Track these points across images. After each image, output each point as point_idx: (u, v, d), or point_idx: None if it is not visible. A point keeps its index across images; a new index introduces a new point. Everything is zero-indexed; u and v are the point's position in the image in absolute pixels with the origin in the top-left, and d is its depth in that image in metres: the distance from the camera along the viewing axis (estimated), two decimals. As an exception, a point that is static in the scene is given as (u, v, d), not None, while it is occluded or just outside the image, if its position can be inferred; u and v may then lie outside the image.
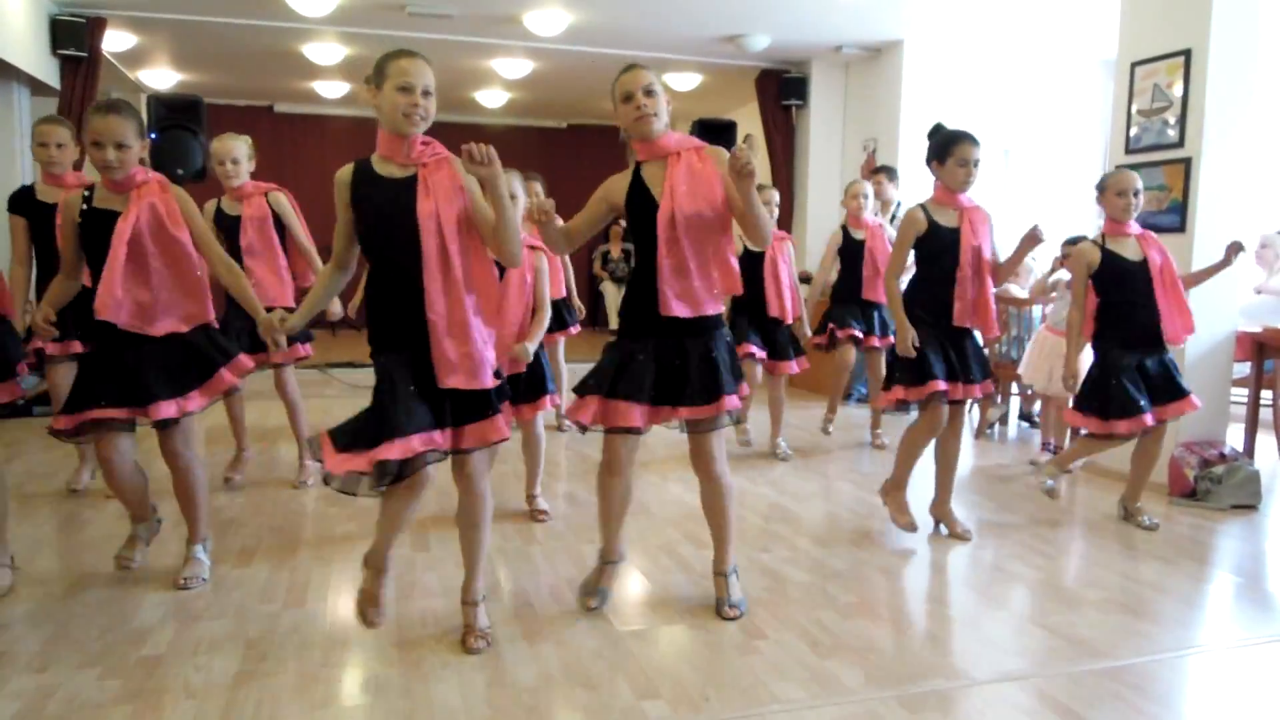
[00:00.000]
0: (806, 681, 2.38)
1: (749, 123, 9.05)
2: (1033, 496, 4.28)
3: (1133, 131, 4.67)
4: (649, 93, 2.56)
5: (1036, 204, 7.62)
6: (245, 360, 2.98)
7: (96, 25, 6.50)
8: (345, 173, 2.39)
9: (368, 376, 7.45)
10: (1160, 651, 2.62)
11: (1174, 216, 4.44)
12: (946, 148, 3.40)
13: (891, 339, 5.18)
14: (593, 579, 2.88)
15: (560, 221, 2.67)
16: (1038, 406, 5.85)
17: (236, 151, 3.95)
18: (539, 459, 3.84)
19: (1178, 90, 4.43)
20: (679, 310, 2.60)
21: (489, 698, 2.27)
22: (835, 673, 2.43)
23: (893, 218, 5.94)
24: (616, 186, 2.69)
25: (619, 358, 2.67)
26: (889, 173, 5.84)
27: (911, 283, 3.59)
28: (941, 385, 3.39)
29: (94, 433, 2.77)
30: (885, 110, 7.42)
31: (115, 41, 7.12)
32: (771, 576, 3.17)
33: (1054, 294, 5.02)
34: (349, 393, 6.85)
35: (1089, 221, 7.20)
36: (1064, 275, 4.87)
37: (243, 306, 2.91)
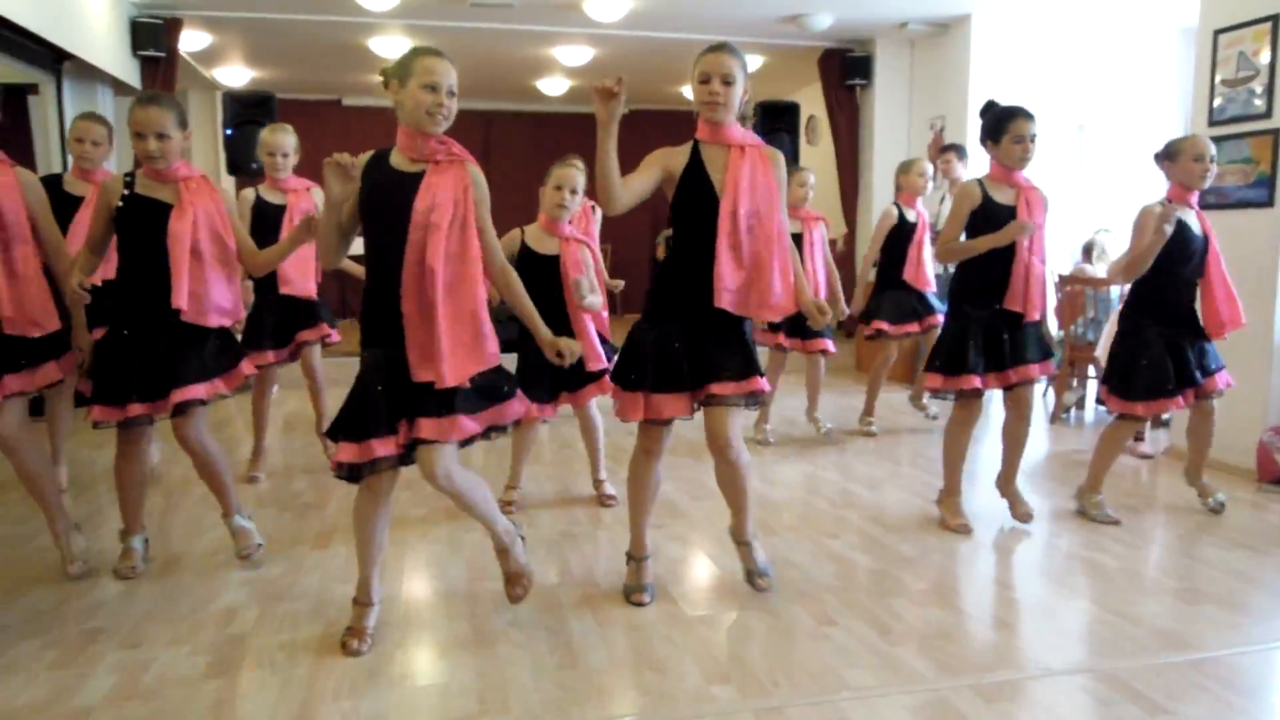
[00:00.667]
0: (877, 669, 2.36)
1: (812, 104, 8.93)
2: (1111, 483, 4.16)
3: (1216, 102, 4.49)
4: (727, 81, 2.53)
5: (1112, 181, 7.37)
6: (247, 365, 3.02)
7: (173, 26, 6.71)
8: (365, 157, 2.41)
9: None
10: (1249, 644, 2.53)
11: (1262, 190, 4.27)
12: (1001, 124, 3.29)
13: (938, 318, 4.98)
14: (632, 580, 2.83)
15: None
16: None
17: (287, 145, 4.03)
18: (598, 443, 3.87)
19: (1265, 58, 4.25)
20: (730, 304, 2.58)
21: (560, 679, 2.30)
22: (907, 660, 2.41)
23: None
24: (675, 160, 2.62)
25: (655, 349, 2.63)
26: (958, 151, 5.71)
27: (960, 266, 3.46)
28: (976, 381, 3.31)
29: (134, 424, 2.84)
30: (953, 87, 7.26)
31: (191, 41, 7.33)
32: (840, 563, 3.14)
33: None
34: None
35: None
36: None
37: (282, 252, 2.95)
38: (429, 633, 2.60)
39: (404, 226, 2.31)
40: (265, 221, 3.99)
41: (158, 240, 2.74)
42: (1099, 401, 5.60)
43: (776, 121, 7.98)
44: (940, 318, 5.07)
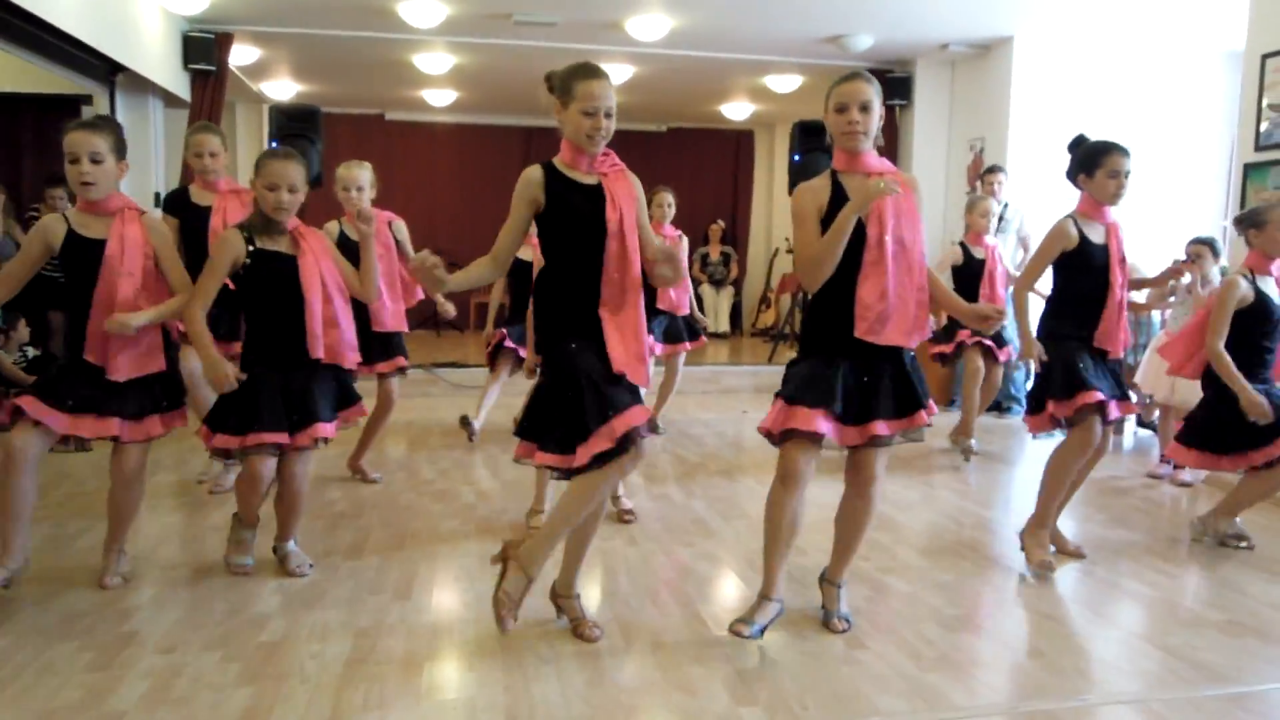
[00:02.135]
0: (909, 695, 2.33)
1: (851, 124, 8.90)
2: (1149, 510, 4.09)
3: (1263, 127, 4.42)
4: (865, 109, 2.50)
5: (1155, 204, 7.27)
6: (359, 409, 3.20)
7: (224, 40, 6.86)
8: (536, 173, 2.49)
9: (471, 376, 7.54)
10: (1291, 679, 2.47)
11: (1310, 217, 4.17)
12: (1095, 159, 3.18)
13: (1010, 350, 5.05)
14: (749, 612, 2.62)
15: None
16: (1156, 414, 5.58)
17: (361, 180, 4.08)
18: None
19: (1316, 83, 4.17)
20: (869, 334, 2.50)
21: (587, 696, 2.30)
22: (939, 687, 2.38)
23: (1000, 219, 5.77)
24: (821, 197, 2.55)
25: (808, 369, 2.57)
26: (1004, 171, 5.69)
27: (1054, 300, 3.35)
28: (1099, 395, 3.12)
29: (255, 452, 2.91)
30: (993, 109, 7.21)
31: (241, 55, 7.49)
32: (872, 586, 3.11)
33: (1173, 299, 4.78)
34: (452, 392, 7.03)
35: (1211, 221, 6.84)
36: (1187, 278, 4.63)
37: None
38: (458, 647, 2.61)
39: (597, 236, 2.45)
40: (345, 256, 4.04)
41: (285, 293, 2.90)
42: (1141, 424, 5.44)
43: (814, 141, 7.93)
44: (1010, 350, 5.07)
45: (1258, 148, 4.43)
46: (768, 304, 10.84)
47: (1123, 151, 3.17)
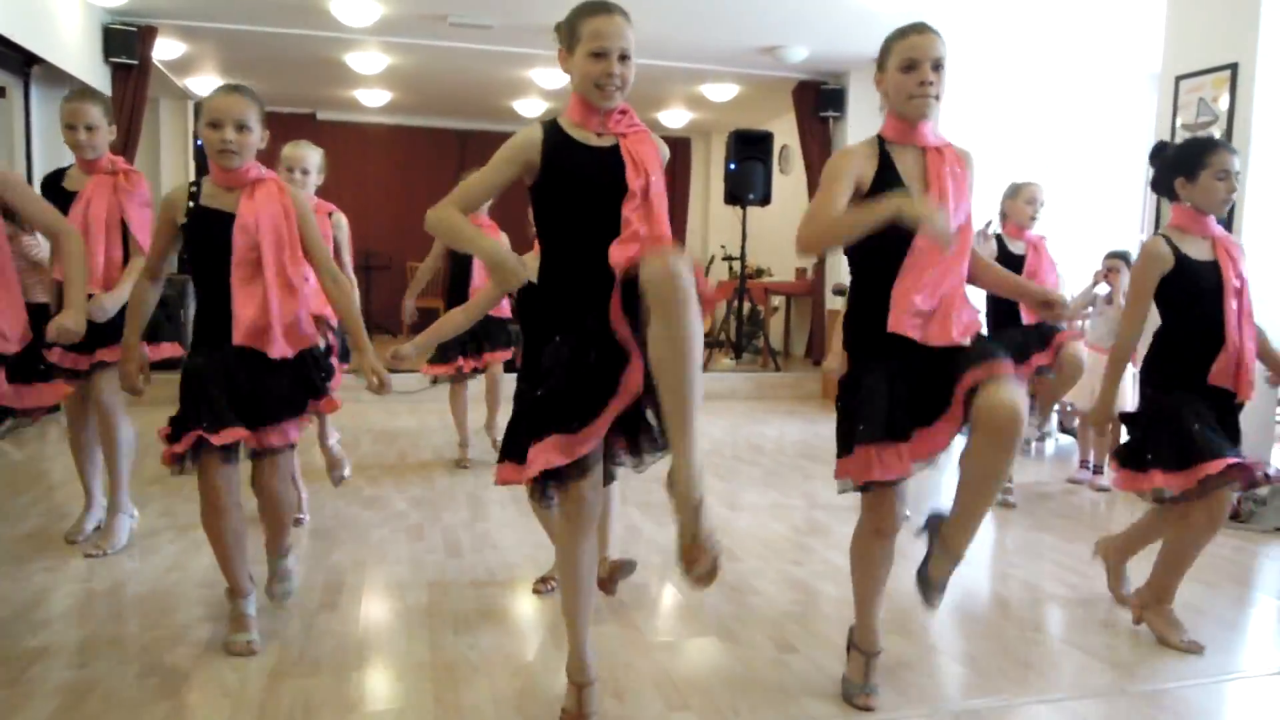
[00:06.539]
0: (838, 697, 2.36)
1: (785, 134, 9.04)
2: (1069, 515, 4.22)
3: (1177, 146, 4.61)
4: (938, 66, 2.07)
5: (1078, 220, 7.52)
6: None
7: (147, 34, 6.67)
8: (534, 131, 2.04)
9: (401, 381, 7.44)
10: (1200, 676, 2.56)
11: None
12: (1199, 159, 2.64)
13: (1061, 335, 4.26)
14: (855, 676, 2.32)
15: None
16: (1077, 422, 5.78)
17: (308, 161, 3.66)
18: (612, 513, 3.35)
19: (1224, 104, 4.37)
20: (916, 331, 2.12)
21: (520, 706, 2.28)
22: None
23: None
24: (864, 167, 2.13)
25: (872, 391, 2.14)
26: None
27: (1160, 341, 2.77)
28: (1227, 460, 2.52)
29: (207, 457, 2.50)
30: (924, 122, 7.38)
31: (165, 50, 7.28)
32: (803, 590, 3.15)
33: (1090, 309, 4.95)
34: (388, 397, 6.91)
35: (1131, 236, 7.11)
36: (1104, 289, 4.81)
37: (346, 324, 2.68)
38: (386, 656, 2.56)
39: (610, 208, 2.01)
40: None
41: (217, 260, 2.42)
42: (1063, 430, 5.51)
43: (750, 150, 8.07)
44: (1062, 335, 4.22)
45: (1171, 165, 4.62)
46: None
47: (1230, 148, 2.67)
